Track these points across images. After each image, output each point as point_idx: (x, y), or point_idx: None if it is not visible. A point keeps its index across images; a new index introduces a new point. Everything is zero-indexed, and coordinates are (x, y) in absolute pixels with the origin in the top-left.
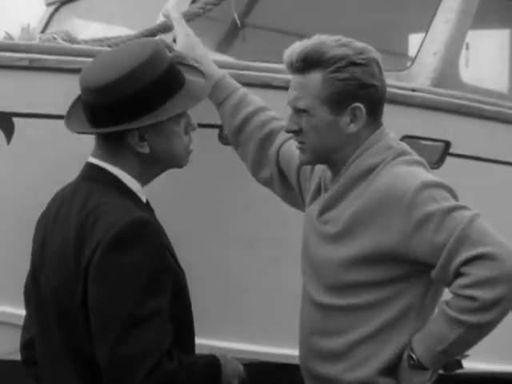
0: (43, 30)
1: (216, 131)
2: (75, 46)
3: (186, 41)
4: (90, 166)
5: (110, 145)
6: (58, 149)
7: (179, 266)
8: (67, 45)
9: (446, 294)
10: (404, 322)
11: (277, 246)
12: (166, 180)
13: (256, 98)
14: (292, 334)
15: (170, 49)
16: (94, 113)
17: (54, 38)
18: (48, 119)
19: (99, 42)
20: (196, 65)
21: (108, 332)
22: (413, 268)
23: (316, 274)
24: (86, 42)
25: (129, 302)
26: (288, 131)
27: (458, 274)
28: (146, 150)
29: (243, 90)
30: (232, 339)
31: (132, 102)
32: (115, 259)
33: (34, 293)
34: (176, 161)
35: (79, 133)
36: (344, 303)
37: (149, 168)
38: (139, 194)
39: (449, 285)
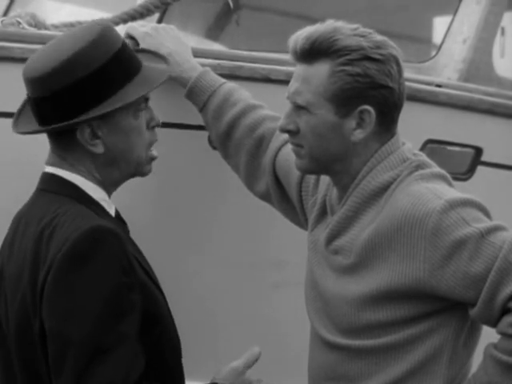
0: (5, 13)
1: (206, 134)
2: (43, 31)
3: (145, 42)
4: (45, 177)
5: (62, 146)
6: (25, 153)
7: (158, 286)
8: (33, 30)
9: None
10: (435, 366)
11: (279, 270)
12: (143, 189)
13: (245, 94)
14: (300, 375)
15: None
16: (38, 108)
17: (19, 23)
18: (10, 118)
19: (70, 26)
20: (154, 50)
21: (66, 364)
22: (442, 304)
23: (326, 311)
24: (55, 27)
25: (88, 329)
26: (282, 130)
27: (506, 311)
28: (99, 149)
29: (227, 87)
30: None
31: (76, 93)
32: (70, 279)
33: None
34: (134, 164)
35: (21, 133)
36: (365, 344)
37: (107, 172)
38: (104, 204)
39: (494, 324)
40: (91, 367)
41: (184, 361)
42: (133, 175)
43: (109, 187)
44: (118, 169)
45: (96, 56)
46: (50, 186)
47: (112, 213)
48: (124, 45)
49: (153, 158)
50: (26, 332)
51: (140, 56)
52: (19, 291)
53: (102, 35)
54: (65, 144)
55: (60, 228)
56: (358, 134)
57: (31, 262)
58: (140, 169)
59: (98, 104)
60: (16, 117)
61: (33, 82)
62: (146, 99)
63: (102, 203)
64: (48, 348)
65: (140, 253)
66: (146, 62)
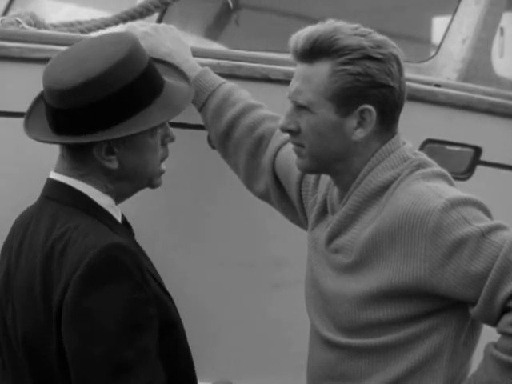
0: (5, 12)
1: (205, 133)
2: (42, 31)
3: (146, 41)
4: (51, 184)
5: (75, 156)
6: (23, 153)
7: (167, 293)
8: (33, 30)
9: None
10: (436, 365)
11: (279, 270)
12: (146, 191)
13: (244, 94)
14: (299, 374)
15: None
16: (57, 118)
17: (18, 22)
18: (9, 117)
19: (70, 26)
20: (176, 65)
21: (89, 382)
22: (443, 303)
23: (327, 310)
24: (54, 26)
25: (109, 346)
26: (284, 130)
27: (506, 310)
28: (114, 165)
29: (227, 86)
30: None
31: (101, 110)
32: (88, 300)
33: (3, 337)
34: (147, 179)
35: (38, 140)
36: (365, 343)
37: (119, 185)
38: (112, 211)
39: (495, 323)
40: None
41: (199, 360)
42: (144, 188)
43: (118, 198)
44: (130, 183)
45: (124, 75)
46: (56, 194)
47: (119, 219)
48: (150, 63)
49: (162, 173)
50: (39, 349)
51: (159, 67)
52: (31, 306)
53: (131, 53)
54: (79, 156)
55: (72, 244)
56: (359, 134)
57: (43, 279)
58: (151, 182)
59: (121, 122)
60: (26, 119)
61: (56, 93)
62: None
63: (109, 210)
64: (70, 367)
65: (146, 257)
66: (165, 76)
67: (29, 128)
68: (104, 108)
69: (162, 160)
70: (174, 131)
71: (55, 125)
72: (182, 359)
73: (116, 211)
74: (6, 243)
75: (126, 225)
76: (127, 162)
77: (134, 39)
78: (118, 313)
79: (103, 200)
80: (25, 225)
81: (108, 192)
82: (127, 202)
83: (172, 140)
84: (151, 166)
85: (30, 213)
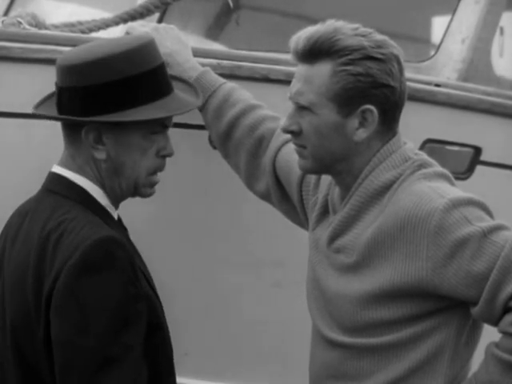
0: (6, 13)
1: (206, 133)
2: (43, 31)
3: None
4: (54, 177)
5: (69, 140)
6: (24, 153)
7: (157, 295)
8: (34, 30)
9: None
10: (437, 364)
11: (279, 270)
12: None
13: (245, 94)
14: (300, 374)
15: None
16: (60, 96)
17: (19, 23)
18: (11, 118)
19: (71, 26)
20: (189, 81)
21: (73, 374)
22: (444, 302)
23: (329, 310)
24: (55, 27)
25: (96, 339)
26: (285, 131)
27: (507, 310)
28: (101, 155)
29: (227, 87)
30: (227, 379)
31: (97, 94)
32: (79, 289)
33: None
34: (133, 182)
35: (36, 114)
36: (367, 342)
37: (109, 180)
38: (109, 210)
39: (496, 323)
40: (98, 377)
41: (185, 359)
42: (133, 195)
43: (113, 198)
44: (119, 181)
45: (127, 66)
46: (57, 187)
47: (116, 218)
48: (161, 66)
49: (154, 183)
50: (25, 336)
51: (176, 84)
52: (21, 293)
53: (146, 46)
54: (73, 139)
55: (68, 234)
56: (361, 134)
57: (36, 267)
58: (139, 190)
59: (113, 112)
60: (43, 99)
61: (61, 70)
62: (164, 126)
63: (108, 209)
64: (54, 355)
65: (140, 258)
66: (180, 92)
67: (38, 106)
68: (101, 92)
69: (156, 171)
70: (174, 131)
71: (59, 104)
72: (163, 362)
73: (113, 212)
74: (3, 232)
75: (121, 227)
76: (114, 155)
77: (150, 39)
78: (108, 305)
79: (102, 200)
80: (23, 215)
81: (104, 189)
82: (126, 201)
83: (169, 154)
84: (137, 169)
85: (29, 204)
